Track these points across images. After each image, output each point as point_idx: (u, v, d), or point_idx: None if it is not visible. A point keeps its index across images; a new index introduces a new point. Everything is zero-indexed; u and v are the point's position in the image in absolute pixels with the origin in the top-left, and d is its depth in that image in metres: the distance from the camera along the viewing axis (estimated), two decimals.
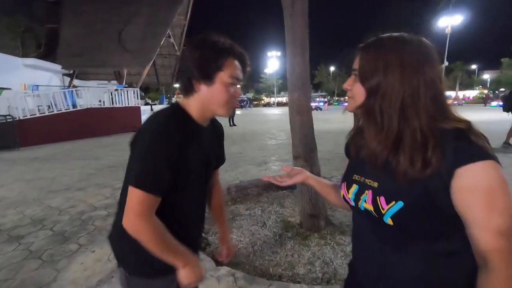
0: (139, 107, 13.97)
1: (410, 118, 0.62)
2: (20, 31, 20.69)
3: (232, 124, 14.95)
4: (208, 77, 0.87)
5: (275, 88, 61.35)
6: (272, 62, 59.10)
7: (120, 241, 0.94)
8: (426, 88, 0.62)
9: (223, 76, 0.87)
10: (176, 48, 22.81)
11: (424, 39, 0.66)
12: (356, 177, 0.76)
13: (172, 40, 21.16)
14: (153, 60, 17.83)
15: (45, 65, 15.47)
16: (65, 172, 5.71)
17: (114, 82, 18.40)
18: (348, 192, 0.77)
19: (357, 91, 0.69)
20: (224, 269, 2.10)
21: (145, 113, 17.04)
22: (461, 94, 43.92)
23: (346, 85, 0.72)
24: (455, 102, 29.71)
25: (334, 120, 17.04)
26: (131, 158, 0.86)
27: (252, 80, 74.32)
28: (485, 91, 42.88)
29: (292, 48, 2.57)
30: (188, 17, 20.96)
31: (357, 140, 0.80)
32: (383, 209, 0.66)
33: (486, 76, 56.74)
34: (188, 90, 0.90)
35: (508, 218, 0.58)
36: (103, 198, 4.09)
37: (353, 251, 0.84)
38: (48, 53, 18.63)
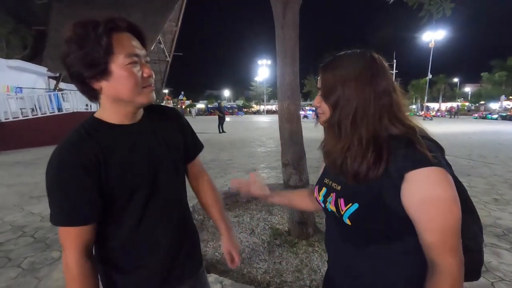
0: None
1: (358, 126, 0.68)
2: (5, 32, 20.19)
3: (221, 131, 14.93)
4: (101, 71, 0.71)
5: (265, 96, 61.87)
6: (263, 70, 59.75)
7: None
8: (378, 98, 0.68)
9: (117, 60, 0.71)
10: (167, 54, 22.78)
11: (376, 54, 0.72)
12: (326, 180, 0.84)
13: (162, 46, 21.13)
14: None
15: (30, 67, 15.11)
16: None
17: None
18: (319, 194, 0.84)
19: (324, 108, 0.74)
20: (212, 277, 2.08)
21: None
22: (444, 106, 45.42)
23: (315, 103, 0.78)
24: (441, 113, 30.67)
25: (322, 128, 17.27)
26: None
27: (242, 88, 74.79)
28: (454, 104, 44.29)
29: (282, 58, 2.63)
30: (179, 23, 21.03)
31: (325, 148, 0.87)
32: (342, 210, 0.73)
33: (467, 89, 59.05)
34: (91, 94, 0.76)
35: (451, 224, 0.62)
36: None
37: (326, 250, 0.91)
38: (34, 55, 18.23)
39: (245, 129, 18.35)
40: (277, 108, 3.35)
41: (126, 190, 0.78)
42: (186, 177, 1.04)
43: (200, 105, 63.65)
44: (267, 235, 2.91)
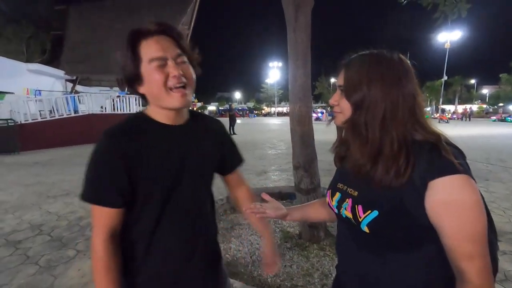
0: None
1: (389, 129, 0.65)
2: (25, 37, 21.00)
3: (232, 132, 15.01)
4: (136, 78, 0.78)
5: (276, 98, 61.84)
6: (273, 72, 59.82)
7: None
8: (404, 101, 0.66)
9: (144, 65, 0.76)
10: None
11: (402, 56, 0.70)
12: (340, 185, 0.81)
13: None
14: None
15: (48, 71, 15.65)
16: (65, 177, 5.70)
17: (117, 88, 18.56)
18: (332, 200, 0.82)
19: (344, 106, 0.71)
20: None
21: None
22: (460, 108, 44.14)
23: (332, 101, 0.75)
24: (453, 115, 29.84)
25: (334, 130, 17.09)
26: None
27: (253, 90, 75.03)
28: (468, 106, 42.63)
29: (294, 60, 2.62)
30: (191, 26, 21.33)
31: (341, 151, 0.84)
32: (360, 217, 0.70)
33: (485, 91, 57.26)
34: (141, 97, 0.83)
35: (479, 231, 0.59)
36: None
37: (337, 255, 0.88)
38: (52, 59, 18.89)
39: (256, 131, 18.37)
40: (288, 110, 3.33)
41: (147, 187, 0.80)
42: (226, 187, 1.10)
43: (211, 107, 64.25)
44: (278, 238, 2.90)
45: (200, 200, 0.92)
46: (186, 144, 0.86)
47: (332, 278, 2.22)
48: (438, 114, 38.17)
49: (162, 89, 0.76)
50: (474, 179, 0.61)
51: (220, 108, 58.76)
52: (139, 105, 14.25)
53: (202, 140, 0.91)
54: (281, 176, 5.60)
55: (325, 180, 5.02)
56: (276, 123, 27.51)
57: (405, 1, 3.24)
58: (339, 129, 0.83)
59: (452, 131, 15.52)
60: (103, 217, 0.77)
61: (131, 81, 0.79)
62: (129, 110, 13.45)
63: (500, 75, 45.08)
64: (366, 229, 0.69)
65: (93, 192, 0.77)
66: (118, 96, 13.65)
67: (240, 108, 63.59)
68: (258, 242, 2.83)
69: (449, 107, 47.83)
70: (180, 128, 0.85)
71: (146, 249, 0.83)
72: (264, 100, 69.72)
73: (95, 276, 0.77)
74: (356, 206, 0.72)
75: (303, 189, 2.69)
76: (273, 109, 63.47)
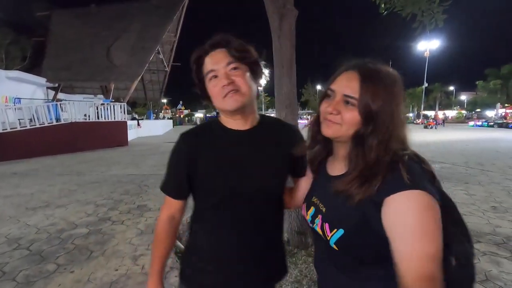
0: (125, 122, 13.80)
1: (387, 147, 0.65)
2: (5, 43, 20.34)
3: None
4: (204, 92, 0.90)
5: (263, 105, 62.18)
6: (261, 79, 60.12)
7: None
8: (403, 120, 0.68)
9: (206, 81, 0.87)
10: (165, 64, 22.98)
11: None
12: (314, 199, 0.80)
13: (161, 56, 21.34)
14: (141, 76, 17.84)
15: (29, 78, 15.19)
16: (45, 188, 5.50)
17: (101, 96, 18.21)
18: (306, 214, 0.81)
19: (349, 118, 0.68)
20: None
21: (132, 127, 16.85)
22: (440, 113, 45.88)
23: (331, 109, 0.70)
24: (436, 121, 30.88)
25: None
26: None
27: None
28: (440, 112, 44.02)
29: (279, 68, 2.66)
30: (178, 34, 21.31)
31: (317, 157, 0.85)
32: (327, 235, 0.70)
33: (463, 97, 59.71)
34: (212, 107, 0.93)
35: (428, 249, 0.56)
36: (84, 215, 3.94)
37: (315, 269, 0.88)
38: (33, 66, 18.36)
39: None
40: None
41: (204, 187, 0.89)
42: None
43: (199, 115, 63.86)
44: None
45: (258, 209, 0.89)
46: (248, 150, 0.89)
47: None
48: (419, 120, 39.45)
49: (218, 99, 0.84)
50: (434, 192, 0.60)
51: (207, 115, 58.44)
52: (124, 113, 14.02)
53: (267, 146, 0.91)
54: None
55: None
56: None
57: (386, 12, 3.36)
58: (315, 135, 0.80)
59: (433, 136, 16.06)
60: (168, 203, 0.94)
61: (203, 97, 0.91)
62: (114, 118, 13.21)
63: (477, 82, 47.19)
64: (334, 247, 0.69)
65: (163, 183, 0.93)
66: (103, 104, 13.39)
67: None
68: None
69: (430, 113, 49.49)
70: (245, 133, 0.90)
71: (200, 245, 0.93)
72: None
73: (152, 246, 0.98)
74: (324, 224, 0.72)
75: None
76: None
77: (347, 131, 0.70)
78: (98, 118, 12.80)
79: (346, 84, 0.69)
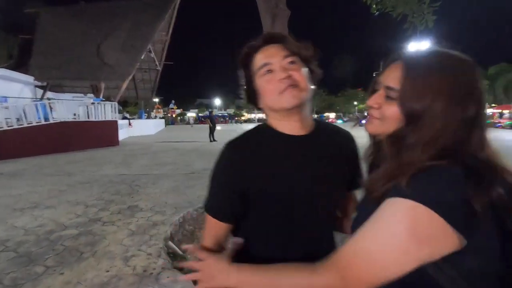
0: (116, 121, 13.61)
1: (424, 151, 0.54)
2: None
3: (212, 139, 14.88)
4: (253, 92, 0.81)
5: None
6: None
7: None
8: (460, 126, 0.53)
9: (256, 76, 0.79)
10: (157, 63, 22.76)
11: (467, 58, 0.56)
12: (359, 205, 0.76)
13: (153, 55, 21.12)
14: (132, 74, 17.63)
15: (16, 76, 14.84)
16: (33, 188, 5.38)
17: (91, 95, 17.91)
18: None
19: (390, 114, 0.59)
20: None
21: (123, 127, 16.64)
22: None
23: (372, 103, 0.63)
24: None
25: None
26: None
27: (233, 96, 75.12)
28: None
29: None
30: (169, 33, 21.12)
31: (375, 160, 0.73)
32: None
33: None
34: (261, 110, 0.84)
35: (382, 252, 0.51)
36: (74, 216, 3.87)
37: None
38: (20, 64, 17.95)
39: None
40: None
41: (262, 201, 0.78)
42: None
43: (191, 114, 63.48)
44: None
45: (317, 220, 0.82)
46: (307, 157, 0.79)
47: None
48: None
49: (273, 94, 0.75)
50: (447, 216, 0.47)
51: (200, 114, 58.09)
52: (115, 112, 13.84)
53: (328, 155, 0.82)
54: None
55: None
56: None
57: (378, 12, 3.40)
58: (371, 136, 0.72)
59: None
60: (213, 228, 0.80)
61: (251, 98, 0.83)
62: (105, 118, 13.01)
63: None
64: None
65: (210, 204, 0.81)
66: (93, 103, 13.17)
67: (220, 114, 63.43)
68: None
69: None
70: (302, 138, 0.80)
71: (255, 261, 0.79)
72: (244, 107, 69.95)
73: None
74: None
75: None
76: (253, 115, 63.73)
77: (388, 128, 0.61)
78: (88, 117, 12.59)
79: (390, 75, 0.60)
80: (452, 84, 0.53)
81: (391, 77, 0.59)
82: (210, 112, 16.77)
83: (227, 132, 24.60)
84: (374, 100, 0.63)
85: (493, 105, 40.48)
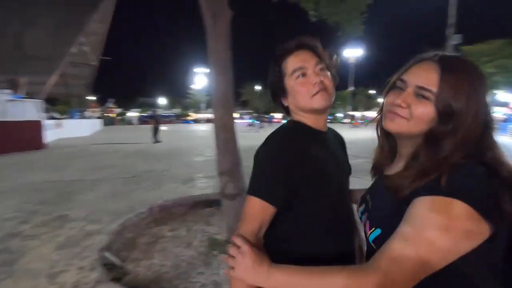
0: (39, 121, 11.95)
1: (457, 149, 0.57)
2: None
3: (156, 140, 14.15)
4: (281, 91, 0.91)
5: (202, 105, 61.08)
6: (200, 78, 59.03)
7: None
8: (482, 123, 0.58)
9: (288, 80, 0.88)
10: (93, 57, 20.73)
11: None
12: (367, 196, 0.78)
13: (86, 48, 19.15)
14: (61, 69, 15.75)
15: None
16: None
17: (8, 91, 15.48)
18: (358, 209, 0.82)
19: (421, 113, 0.61)
20: None
21: (51, 128, 14.78)
22: (359, 114, 51.94)
23: (400, 101, 0.63)
24: (360, 121, 34.73)
25: (262, 136, 17.73)
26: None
27: (179, 96, 72.64)
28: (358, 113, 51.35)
29: (215, 68, 2.65)
30: (107, 25, 19.40)
31: (381, 159, 0.78)
32: (367, 232, 0.69)
33: (381, 100, 68.07)
34: (284, 109, 0.96)
35: (414, 256, 0.52)
36: None
37: None
38: None
39: (182, 138, 17.77)
40: None
41: (311, 191, 0.82)
42: None
43: (132, 114, 59.38)
44: (205, 247, 2.84)
45: (349, 206, 0.96)
46: (336, 150, 0.95)
47: None
48: (346, 120, 44.04)
49: (306, 96, 0.85)
50: (480, 210, 0.50)
51: (143, 114, 54.51)
52: (40, 111, 12.18)
53: (339, 146, 1.01)
54: (208, 183, 5.53)
55: None
56: (204, 130, 27.14)
57: (316, 19, 3.63)
58: (384, 135, 0.74)
59: (361, 134, 17.93)
60: (259, 212, 0.79)
61: (277, 95, 0.93)
62: (25, 117, 11.35)
63: None
64: (372, 245, 0.67)
65: (258, 188, 0.80)
66: (12, 100, 11.39)
67: (165, 114, 60.72)
68: (184, 253, 2.72)
69: (356, 114, 55.34)
70: (327, 134, 0.94)
71: (307, 252, 0.84)
72: (191, 107, 68.09)
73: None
74: (366, 221, 0.71)
75: (228, 194, 2.72)
76: (200, 115, 62.45)
77: (414, 127, 0.62)
78: (5, 116, 10.83)
79: (423, 75, 0.61)
80: (482, 87, 0.59)
81: (425, 77, 0.60)
82: (154, 112, 15.89)
83: (174, 133, 23.70)
84: (403, 99, 0.62)
85: None
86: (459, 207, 0.50)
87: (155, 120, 14.57)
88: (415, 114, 0.61)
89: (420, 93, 0.60)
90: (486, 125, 0.59)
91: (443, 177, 0.54)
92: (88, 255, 2.66)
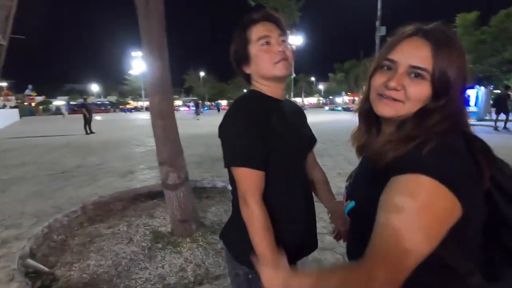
0: None
1: (456, 121, 0.58)
2: None
3: (89, 131, 12.78)
4: (245, 58, 0.94)
5: (143, 91, 56.94)
6: (138, 62, 54.49)
7: (237, 232, 0.92)
8: (463, 95, 0.60)
9: (252, 47, 0.91)
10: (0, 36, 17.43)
11: None
12: (354, 171, 0.78)
13: None
14: None
15: None
16: None
17: None
18: (346, 184, 0.81)
19: (416, 94, 0.58)
20: None
21: None
22: (306, 100, 54.71)
23: (396, 84, 0.59)
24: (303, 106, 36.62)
25: (205, 124, 17.45)
26: (223, 147, 0.90)
27: (115, 82, 66.41)
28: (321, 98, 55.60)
29: (149, 50, 2.45)
30: None
31: (362, 140, 0.74)
32: (344, 204, 0.71)
33: (321, 86, 72.52)
34: (246, 77, 0.99)
35: (406, 241, 0.49)
36: None
37: None
38: None
39: (120, 128, 16.44)
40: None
41: (275, 156, 0.88)
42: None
43: (58, 102, 52.46)
44: (148, 241, 2.71)
45: (305, 176, 1.05)
46: (292, 116, 0.99)
47: (205, 267, 2.28)
48: None
49: (269, 63, 0.89)
50: (453, 187, 0.49)
51: (71, 102, 48.36)
52: None
53: (298, 115, 1.07)
54: (150, 175, 5.24)
55: (196, 172, 5.07)
56: (145, 118, 25.44)
57: (254, 3, 3.60)
58: (365, 117, 0.71)
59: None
60: (255, 180, 0.84)
61: (240, 61, 0.96)
62: None
63: (329, 74, 58.32)
64: (347, 216, 0.70)
65: (247, 157, 0.84)
66: None
67: (99, 102, 55.19)
68: (125, 250, 2.55)
69: (298, 99, 57.91)
70: (284, 103, 0.99)
71: (277, 216, 0.89)
72: (128, 94, 62.87)
73: (255, 238, 0.81)
74: (345, 195, 0.73)
75: (170, 185, 2.61)
76: (140, 103, 58.21)
77: (411, 108, 0.59)
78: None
79: (414, 53, 0.58)
80: (465, 62, 0.58)
81: (417, 56, 0.57)
82: (85, 100, 14.18)
83: (110, 122, 21.72)
84: (398, 81, 0.58)
85: (348, 93, 50.62)
86: (439, 189, 0.48)
87: (86, 109, 13.07)
88: (412, 95, 0.58)
89: (415, 73, 0.58)
90: (466, 101, 0.61)
91: (427, 145, 0.52)
92: (4, 265, 2.31)
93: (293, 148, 0.94)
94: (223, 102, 58.90)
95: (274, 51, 0.89)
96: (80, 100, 14.78)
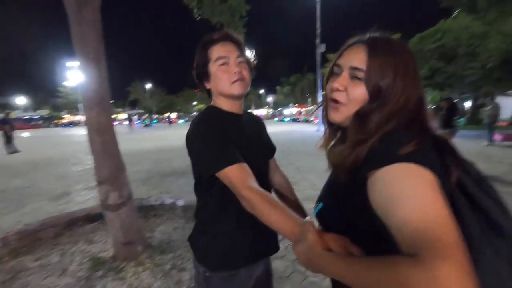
0: None
1: (389, 122, 0.59)
2: None
3: (11, 150, 11.16)
4: (205, 75, 1.00)
5: (80, 105, 52.05)
6: (74, 73, 49.90)
7: (201, 237, 1.01)
8: (414, 100, 0.60)
9: (211, 65, 0.97)
10: None
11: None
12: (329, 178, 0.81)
13: None
14: None
15: None
16: None
17: None
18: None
19: (357, 94, 0.62)
20: None
21: None
22: (256, 112, 56.23)
23: (338, 85, 0.63)
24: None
25: (152, 138, 16.59)
26: (193, 159, 0.96)
27: (47, 94, 59.75)
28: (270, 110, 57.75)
29: (85, 60, 2.27)
30: None
31: (329, 145, 0.75)
32: (314, 208, 0.72)
33: (270, 99, 75.18)
34: (207, 92, 1.06)
35: (432, 216, 0.45)
36: None
37: None
38: None
39: (54, 145, 14.75)
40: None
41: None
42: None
43: None
44: (86, 270, 2.43)
45: (268, 185, 1.10)
46: (249, 128, 1.05)
47: None
48: None
49: (226, 82, 0.95)
50: (428, 166, 0.50)
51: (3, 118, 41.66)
52: None
53: (256, 126, 1.13)
54: (89, 195, 4.76)
55: (143, 189, 4.78)
56: (83, 134, 23.12)
57: (199, 18, 3.61)
58: (327, 123, 0.73)
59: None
60: (242, 174, 0.83)
61: (201, 77, 1.02)
62: None
63: (276, 88, 60.97)
64: (316, 219, 0.70)
65: (227, 157, 0.85)
66: None
67: (27, 117, 48.98)
68: (57, 283, 2.25)
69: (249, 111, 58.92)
70: (242, 117, 1.05)
71: (239, 220, 0.95)
72: (64, 107, 56.96)
73: (269, 221, 0.74)
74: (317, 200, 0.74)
75: (111, 205, 2.40)
76: (78, 118, 53.06)
77: (352, 110, 0.63)
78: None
79: (353, 56, 0.62)
80: (410, 63, 0.61)
81: (356, 58, 0.62)
82: (7, 114, 12.37)
83: (42, 139, 19.34)
84: (340, 82, 0.63)
85: (295, 105, 53.40)
86: (410, 167, 0.50)
87: (9, 126, 11.42)
88: (352, 96, 0.62)
89: (354, 74, 0.62)
90: (419, 99, 0.61)
91: (379, 139, 0.56)
92: None
93: (253, 159, 0.94)
94: (173, 115, 57.07)
95: (231, 72, 0.95)
96: (1, 115, 12.81)
